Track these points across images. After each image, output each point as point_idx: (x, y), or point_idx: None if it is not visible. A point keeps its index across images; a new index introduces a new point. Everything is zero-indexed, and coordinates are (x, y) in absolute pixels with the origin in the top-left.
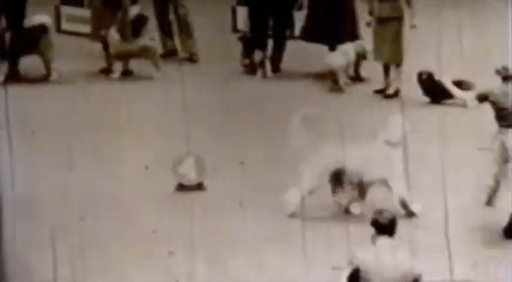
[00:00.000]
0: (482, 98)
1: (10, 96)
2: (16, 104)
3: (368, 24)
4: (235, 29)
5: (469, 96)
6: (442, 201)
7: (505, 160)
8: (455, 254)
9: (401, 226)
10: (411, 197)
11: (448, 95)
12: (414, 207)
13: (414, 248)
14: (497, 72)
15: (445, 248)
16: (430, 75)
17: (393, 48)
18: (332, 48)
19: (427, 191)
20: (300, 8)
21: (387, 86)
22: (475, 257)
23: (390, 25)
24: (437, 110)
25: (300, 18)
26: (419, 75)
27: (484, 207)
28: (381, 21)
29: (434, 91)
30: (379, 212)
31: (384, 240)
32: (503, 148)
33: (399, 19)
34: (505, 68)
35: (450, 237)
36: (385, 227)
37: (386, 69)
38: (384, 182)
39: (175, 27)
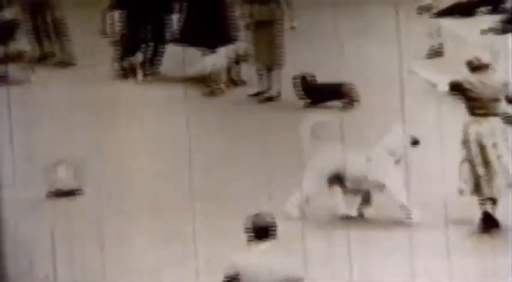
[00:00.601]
0: (455, 85)
1: None
2: None
3: (247, 27)
4: (110, 32)
5: (441, 80)
6: None
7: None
8: None
9: None
10: None
11: (328, 98)
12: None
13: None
14: (468, 63)
15: None
16: (309, 78)
17: (272, 50)
18: (209, 51)
19: None
20: (179, 11)
21: (267, 89)
22: None
23: (269, 27)
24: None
25: (177, 21)
26: (298, 78)
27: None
28: (261, 24)
29: (313, 93)
30: (256, 215)
31: (263, 245)
32: (478, 137)
33: (278, 21)
34: (477, 59)
35: None
36: (262, 231)
37: (267, 72)
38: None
39: (51, 31)
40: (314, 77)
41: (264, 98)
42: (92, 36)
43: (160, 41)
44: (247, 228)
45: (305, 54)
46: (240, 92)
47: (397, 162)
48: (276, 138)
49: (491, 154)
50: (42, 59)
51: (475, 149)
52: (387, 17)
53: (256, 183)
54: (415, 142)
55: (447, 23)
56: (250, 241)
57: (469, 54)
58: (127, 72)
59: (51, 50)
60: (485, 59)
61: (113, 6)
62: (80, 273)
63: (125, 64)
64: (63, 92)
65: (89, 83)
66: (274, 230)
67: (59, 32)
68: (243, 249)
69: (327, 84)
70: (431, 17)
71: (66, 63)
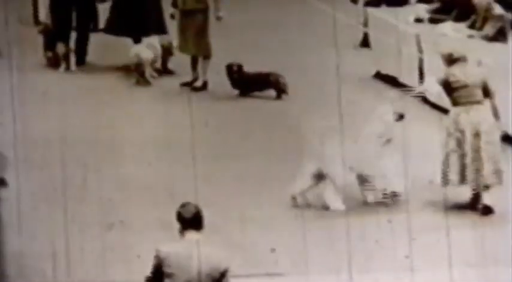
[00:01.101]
0: (444, 83)
1: None
2: None
3: (172, 16)
4: (37, 21)
5: (430, 83)
6: None
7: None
8: None
9: None
10: None
11: (257, 88)
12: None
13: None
14: (443, 56)
15: None
16: (239, 68)
17: (199, 40)
18: (136, 40)
19: None
20: (104, 0)
21: (195, 79)
22: None
23: (195, 17)
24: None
25: (104, 10)
26: (229, 67)
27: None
28: (186, 13)
29: (243, 83)
30: (183, 205)
31: (191, 234)
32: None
33: (204, 11)
34: (450, 54)
35: None
36: (190, 221)
37: (194, 62)
38: None
39: None
40: (241, 66)
41: (194, 87)
42: (17, 25)
43: (86, 30)
44: (177, 219)
45: (233, 44)
46: (171, 82)
47: (387, 142)
48: (211, 128)
49: (481, 142)
50: None
51: (463, 138)
52: (317, 6)
53: (188, 174)
54: (400, 117)
55: (377, 12)
56: (179, 231)
57: (397, 44)
58: (56, 61)
59: None
60: (461, 50)
61: None
62: None
63: (53, 53)
64: None
65: (17, 73)
66: (201, 221)
67: None
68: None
69: (254, 74)
70: (362, 7)
71: None
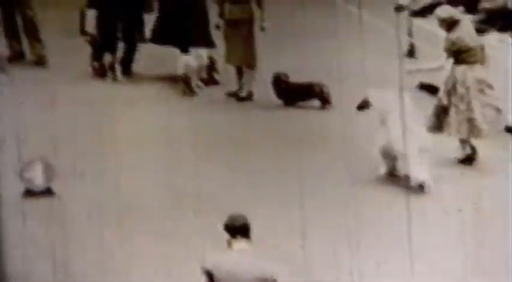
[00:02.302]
0: (455, 50)
1: None
2: None
3: (217, 26)
4: (83, 32)
5: (441, 59)
6: None
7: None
8: None
9: None
10: None
11: (301, 98)
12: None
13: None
14: (442, 22)
15: None
16: (285, 78)
17: (245, 50)
18: (184, 50)
19: None
20: (151, 10)
21: (240, 89)
22: None
23: (241, 27)
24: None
25: (150, 20)
26: (276, 78)
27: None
28: (231, 24)
29: (288, 94)
30: (231, 216)
31: (239, 244)
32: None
33: (250, 21)
34: (450, 17)
35: None
36: (238, 230)
37: (239, 72)
38: None
39: (22, 30)
40: (287, 77)
41: (239, 97)
42: (64, 36)
43: (133, 40)
44: (225, 229)
45: (277, 54)
46: (217, 92)
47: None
48: (256, 137)
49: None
50: (13, 58)
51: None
52: (360, 17)
53: (237, 182)
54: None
55: (423, 23)
56: (227, 242)
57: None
58: (102, 72)
59: (21, 49)
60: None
61: (87, 6)
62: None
63: (100, 63)
64: (36, 91)
65: (64, 83)
66: (249, 230)
67: (30, 31)
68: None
69: (298, 84)
70: (407, 16)
71: (38, 63)
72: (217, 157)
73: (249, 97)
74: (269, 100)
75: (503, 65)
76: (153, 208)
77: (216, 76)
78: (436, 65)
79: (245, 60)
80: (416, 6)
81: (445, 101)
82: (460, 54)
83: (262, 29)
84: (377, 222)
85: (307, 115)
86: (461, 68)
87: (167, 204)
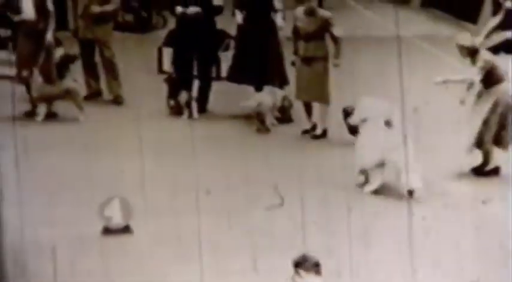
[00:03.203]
0: (487, 68)
1: None
2: None
3: (293, 63)
4: (161, 71)
5: (473, 73)
6: None
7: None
8: None
9: None
10: None
11: None
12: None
13: None
14: (463, 50)
15: None
16: (352, 111)
17: (319, 87)
18: (258, 88)
19: None
20: (227, 48)
21: (313, 126)
22: None
23: (315, 64)
24: None
25: (226, 59)
26: (345, 111)
27: None
28: (306, 60)
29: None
30: (303, 256)
31: (313, 279)
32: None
33: (324, 58)
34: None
35: None
36: (310, 266)
37: (308, 109)
38: None
39: (100, 69)
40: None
41: (314, 135)
42: (143, 74)
43: (209, 78)
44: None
45: (348, 91)
46: (291, 129)
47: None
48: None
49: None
50: (90, 97)
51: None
52: (430, 54)
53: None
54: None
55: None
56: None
57: None
58: (178, 110)
59: (99, 88)
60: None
61: (164, 44)
62: None
63: (176, 101)
64: (113, 129)
65: (140, 121)
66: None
67: (108, 70)
68: None
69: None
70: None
71: (115, 101)
72: (291, 193)
73: (323, 134)
74: (343, 138)
75: None
76: (232, 248)
77: (290, 114)
78: (462, 77)
79: (319, 96)
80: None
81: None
82: (491, 74)
83: (336, 65)
84: None
85: None
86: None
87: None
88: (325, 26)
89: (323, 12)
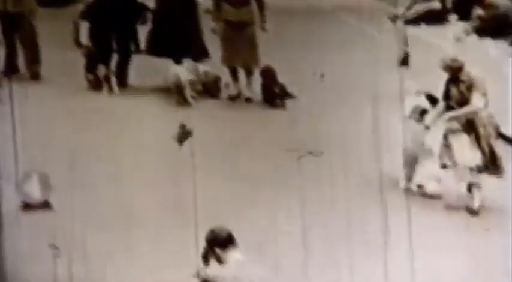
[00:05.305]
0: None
1: None
2: None
3: (214, 31)
4: (78, 45)
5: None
6: None
7: None
8: None
9: None
10: None
11: (283, 96)
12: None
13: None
14: (446, 68)
15: None
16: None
17: (248, 51)
18: (177, 62)
19: None
20: (145, 22)
21: (239, 92)
22: None
23: (243, 29)
24: None
25: (145, 32)
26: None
27: None
28: (234, 25)
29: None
30: (213, 230)
31: (233, 255)
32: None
33: (250, 23)
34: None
35: None
36: (224, 242)
37: (234, 74)
38: None
39: (19, 45)
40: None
41: (247, 98)
42: (60, 48)
43: (127, 51)
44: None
45: (276, 57)
46: (214, 102)
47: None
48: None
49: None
50: (8, 73)
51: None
52: (357, 25)
53: (229, 195)
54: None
55: (417, 31)
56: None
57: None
58: (97, 84)
59: (16, 63)
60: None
61: (80, 17)
62: None
63: (95, 75)
64: (33, 105)
65: (60, 96)
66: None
67: (27, 45)
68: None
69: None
70: (401, 25)
71: (33, 77)
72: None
73: (250, 98)
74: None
75: (502, 74)
76: (151, 218)
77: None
78: (472, 109)
79: (248, 61)
80: (410, 15)
81: None
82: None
83: (264, 29)
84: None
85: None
86: None
87: (166, 214)
88: None
89: None
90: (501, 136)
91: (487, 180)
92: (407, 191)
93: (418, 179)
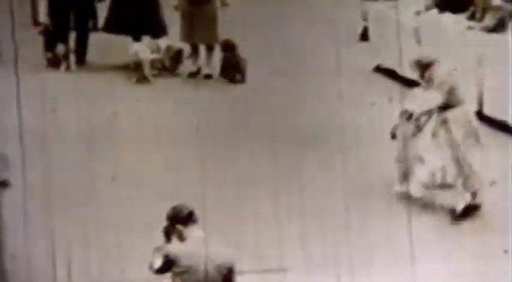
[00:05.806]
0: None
1: None
2: None
3: (176, 7)
4: (36, 23)
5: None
6: None
7: None
8: None
9: None
10: None
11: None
12: None
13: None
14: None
15: None
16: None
17: (208, 28)
18: (136, 39)
19: None
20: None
21: (199, 69)
22: None
23: (204, 5)
24: None
25: (102, 9)
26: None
27: None
28: (194, 2)
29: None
30: (174, 207)
31: (194, 232)
32: None
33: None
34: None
35: None
36: (185, 219)
37: (195, 51)
38: None
39: None
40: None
41: (206, 75)
42: (17, 26)
43: (86, 29)
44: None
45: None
46: (175, 80)
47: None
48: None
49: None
50: None
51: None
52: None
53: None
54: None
55: (376, 5)
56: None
57: (397, 37)
58: (56, 62)
59: None
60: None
61: None
62: None
63: (53, 54)
64: None
65: (16, 74)
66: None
67: None
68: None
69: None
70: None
71: None
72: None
73: (209, 77)
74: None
75: (502, 64)
76: (108, 197)
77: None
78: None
79: (208, 37)
80: None
81: None
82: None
83: (224, 3)
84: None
85: None
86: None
87: (122, 192)
88: None
89: None
90: (483, 118)
91: (487, 180)
92: (404, 193)
93: (412, 182)
